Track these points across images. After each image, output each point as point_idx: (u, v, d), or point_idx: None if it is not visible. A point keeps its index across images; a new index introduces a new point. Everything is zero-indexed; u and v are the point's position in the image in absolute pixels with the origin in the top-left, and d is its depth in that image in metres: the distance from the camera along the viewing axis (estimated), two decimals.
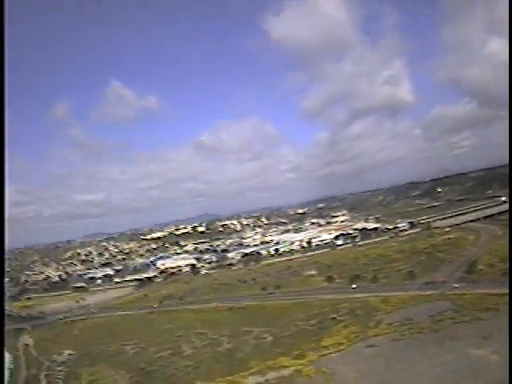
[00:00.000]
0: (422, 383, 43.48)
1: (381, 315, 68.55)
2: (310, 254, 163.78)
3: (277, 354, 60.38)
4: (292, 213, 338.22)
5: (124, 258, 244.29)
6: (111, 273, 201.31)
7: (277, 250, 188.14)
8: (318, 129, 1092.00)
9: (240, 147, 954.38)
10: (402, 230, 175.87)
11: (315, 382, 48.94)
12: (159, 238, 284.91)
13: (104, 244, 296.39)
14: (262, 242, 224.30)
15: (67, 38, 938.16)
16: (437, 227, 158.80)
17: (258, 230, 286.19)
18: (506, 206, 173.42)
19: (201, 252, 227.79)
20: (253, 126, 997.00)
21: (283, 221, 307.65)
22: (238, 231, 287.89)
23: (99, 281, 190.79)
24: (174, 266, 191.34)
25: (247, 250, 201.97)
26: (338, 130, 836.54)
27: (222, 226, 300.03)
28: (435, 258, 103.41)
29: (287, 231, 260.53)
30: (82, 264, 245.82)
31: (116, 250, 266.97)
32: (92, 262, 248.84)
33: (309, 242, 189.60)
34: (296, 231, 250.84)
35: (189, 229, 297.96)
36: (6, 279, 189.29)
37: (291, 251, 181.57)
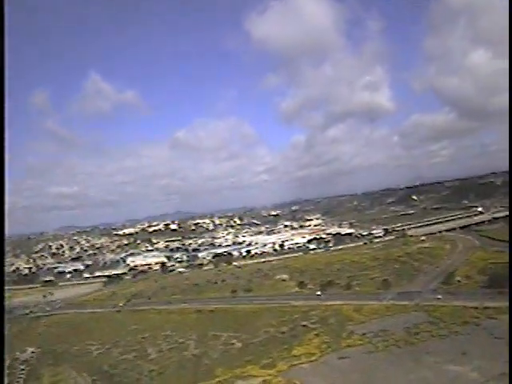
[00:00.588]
0: None
1: (354, 325, 65.68)
2: (282, 257, 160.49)
3: (245, 362, 57.34)
4: (265, 214, 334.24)
5: (95, 253, 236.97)
6: (81, 268, 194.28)
7: (248, 251, 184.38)
8: (296, 131, 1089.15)
9: (217, 146, 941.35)
10: (376, 237, 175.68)
11: None
12: (131, 234, 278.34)
13: (76, 238, 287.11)
14: (234, 243, 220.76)
15: (49, 28, 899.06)
16: (412, 235, 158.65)
17: (231, 230, 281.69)
18: (483, 217, 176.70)
19: (172, 250, 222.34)
20: (231, 125, 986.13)
21: (256, 222, 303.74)
22: (210, 230, 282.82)
23: (68, 275, 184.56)
24: (144, 263, 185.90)
25: (219, 251, 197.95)
26: (316, 133, 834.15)
27: (195, 224, 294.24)
28: (410, 267, 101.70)
29: (260, 233, 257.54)
30: (52, 257, 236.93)
31: (87, 245, 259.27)
32: (63, 255, 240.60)
33: (281, 245, 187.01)
34: (269, 233, 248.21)
35: (161, 226, 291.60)
36: None
37: (263, 253, 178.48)
